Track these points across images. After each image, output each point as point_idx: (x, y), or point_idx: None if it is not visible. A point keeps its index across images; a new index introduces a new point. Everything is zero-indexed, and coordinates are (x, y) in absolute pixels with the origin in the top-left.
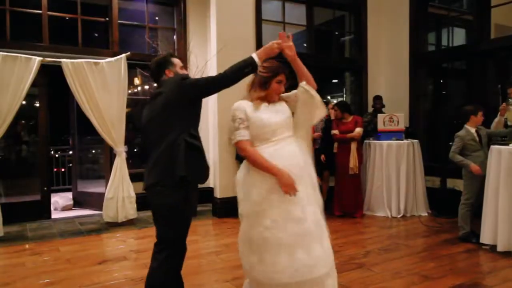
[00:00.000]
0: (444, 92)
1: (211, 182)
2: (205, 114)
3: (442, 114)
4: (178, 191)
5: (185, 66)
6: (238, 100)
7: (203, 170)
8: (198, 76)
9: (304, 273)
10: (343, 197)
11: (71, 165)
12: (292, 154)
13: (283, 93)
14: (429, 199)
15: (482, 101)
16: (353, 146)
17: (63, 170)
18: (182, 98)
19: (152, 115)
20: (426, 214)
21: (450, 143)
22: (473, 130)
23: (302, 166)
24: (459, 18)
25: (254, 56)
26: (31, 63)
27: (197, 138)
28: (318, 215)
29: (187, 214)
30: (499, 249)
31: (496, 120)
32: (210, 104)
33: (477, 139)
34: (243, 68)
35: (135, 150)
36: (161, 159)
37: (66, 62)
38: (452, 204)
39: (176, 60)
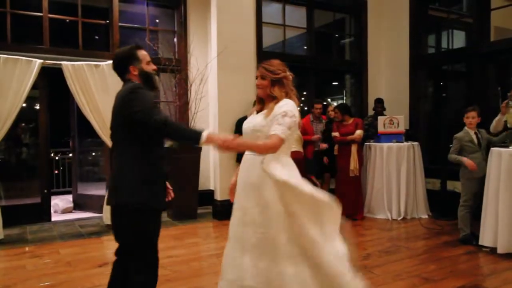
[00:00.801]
0: (444, 95)
1: (211, 184)
2: (206, 116)
3: (442, 117)
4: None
5: (185, 68)
6: (238, 103)
7: (152, 198)
8: (198, 79)
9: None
10: (343, 199)
11: (68, 167)
12: (245, 167)
13: (263, 88)
14: (430, 201)
15: (482, 104)
16: (354, 148)
17: (60, 170)
18: (125, 116)
19: (112, 118)
20: (427, 216)
21: (450, 145)
22: (472, 132)
23: (250, 182)
24: (459, 21)
25: (205, 135)
26: (31, 66)
27: (151, 158)
28: (248, 235)
29: (147, 233)
30: (499, 251)
31: (496, 118)
32: (211, 106)
33: (476, 141)
34: (187, 137)
35: None
36: (112, 174)
37: (67, 65)
38: (452, 206)
39: (142, 54)
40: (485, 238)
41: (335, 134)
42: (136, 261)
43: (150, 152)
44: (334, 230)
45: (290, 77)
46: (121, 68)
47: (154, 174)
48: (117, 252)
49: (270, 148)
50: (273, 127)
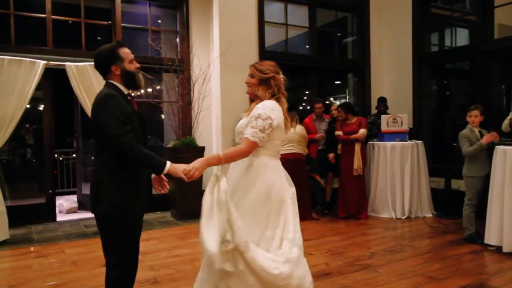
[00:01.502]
0: (447, 93)
1: None
2: (209, 117)
3: (446, 115)
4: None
5: (188, 68)
6: (241, 102)
7: (130, 205)
8: (200, 79)
9: None
10: (347, 198)
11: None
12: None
13: (251, 87)
14: (434, 200)
15: (486, 102)
16: (357, 147)
17: (64, 170)
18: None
19: (90, 123)
20: (431, 215)
21: (454, 144)
22: (476, 130)
23: (232, 179)
24: (462, 19)
25: (168, 166)
26: (35, 67)
27: (127, 168)
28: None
29: (132, 230)
30: (505, 250)
31: (509, 117)
32: (213, 107)
33: (479, 139)
34: (150, 163)
35: None
36: (91, 181)
37: (70, 66)
38: (456, 205)
39: (124, 52)
40: (491, 237)
41: (339, 133)
42: (112, 257)
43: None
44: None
45: (281, 79)
46: (103, 68)
47: (131, 178)
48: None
49: (237, 156)
50: (246, 129)
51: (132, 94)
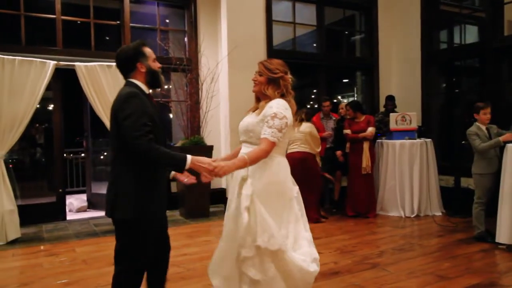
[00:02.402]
0: (457, 91)
1: (223, 182)
2: (217, 116)
3: (455, 113)
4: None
5: (196, 67)
6: (249, 101)
7: (144, 211)
8: (209, 78)
9: None
10: (356, 197)
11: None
12: None
13: (258, 85)
14: (443, 198)
15: (496, 99)
16: (366, 145)
17: (74, 170)
18: (117, 124)
19: (110, 121)
20: (440, 214)
21: (463, 142)
22: (483, 127)
23: (240, 175)
24: (471, 15)
25: (188, 161)
26: (46, 67)
27: (145, 165)
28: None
29: (139, 240)
30: None
31: None
32: (221, 106)
33: (488, 137)
34: (170, 161)
35: None
36: (108, 185)
37: (80, 66)
38: (466, 203)
39: (148, 51)
40: (501, 235)
41: (347, 131)
42: (122, 270)
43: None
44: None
45: (289, 79)
46: (127, 66)
47: (148, 183)
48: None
49: (260, 156)
50: (263, 129)
51: None
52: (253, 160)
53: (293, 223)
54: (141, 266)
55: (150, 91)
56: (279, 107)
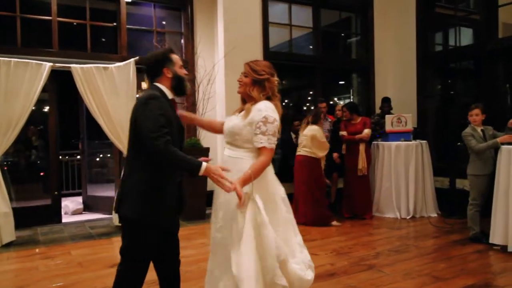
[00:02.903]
0: (452, 92)
1: None
2: (213, 116)
3: (450, 114)
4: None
5: (193, 69)
6: None
7: (163, 213)
8: (205, 79)
9: None
10: (352, 198)
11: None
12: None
13: (243, 86)
14: (438, 199)
15: (491, 101)
16: (362, 147)
17: (69, 172)
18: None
19: (130, 123)
20: (436, 215)
21: (459, 143)
22: (478, 129)
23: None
24: (466, 18)
25: (203, 168)
26: (41, 69)
27: (159, 168)
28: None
29: (145, 240)
30: (510, 249)
31: None
32: (218, 108)
33: (483, 138)
34: (185, 165)
35: None
36: (124, 183)
37: (76, 67)
38: (461, 205)
39: (176, 58)
40: (496, 236)
41: (343, 133)
42: (125, 265)
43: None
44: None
45: (275, 82)
46: (154, 70)
47: (157, 186)
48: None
49: (265, 166)
50: (257, 137)
51: (137, 95)
52: (257, 173)
53: (281, 226)
54: (142, 267)
55: (172, 96)
56: (268, 110)
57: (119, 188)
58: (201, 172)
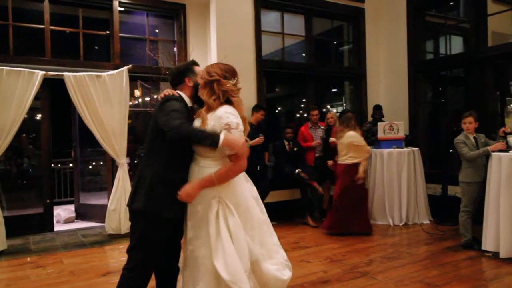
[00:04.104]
0: (443, 100)
1: None
2: None
3: (442, 122)
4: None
5: None
6: (245, 105)
7: (167, 206)
8: None
9: None
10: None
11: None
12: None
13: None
14: (431, 206)
15: (481, 108)
16: None
17: (61, 180)
18: (157, 121)
19: (149, 125)
20: (428, 222)
21: (451, 150)
22: (470, 136)
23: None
24: (456, 26)
25: (222, 136)
26: (34, 77)
27: (175, 168)
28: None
29: (156, 233)
30: (501, 255)
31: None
32: None
33: (475, 145)
34: (203, 135)
35: (136, 162)
36: (134, 181)
37: (69, 76)
38: (453, 211)
39: (198, 69)
40: (487, 243)
41: (332, 139)
42: (129, 263)
43: (174, 160)
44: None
45: (227, 84)
46: (177, 79)
47: (168, 183)
48: None
49: (233, 174)
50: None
51: (130, 103)
52: (222, 179)
53: (256, 229)
54: (147, 268)
55: (191, 104)
56: (229, 116)
57: (132, 188)
58: (221, 140)
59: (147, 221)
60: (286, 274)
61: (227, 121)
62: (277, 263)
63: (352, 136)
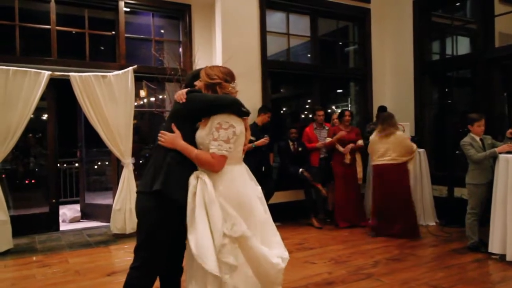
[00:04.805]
0: (449, 101)
1: None
2: None
3: (448, 123)
4: (152, 198)
5: None
6: (250, 106)
7: (182, 188)
8: None
9: None
10: (344, 207)
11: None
12: None
13: None
14: (437, 208)
15: (488, 109)
16: (358, 156)
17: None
18: (179, 110)
19: (165, 122)
20: (434, 224)
21: (457, 152)
22: (477, 138)
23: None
24: (463, 27)
25: (232, 98)
26: (40, 77)
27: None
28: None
29: (161, 232)
30: (508, 258)
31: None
32: None
33: (482, 147)
34: (216, 98)
35: (140, 161)
36: (149, 170)
37: (75, 76)
38: (459, 213)
39: None
40: (494, 246)
41: (329, 139)
42: (136, 261)
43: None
44: None
45: (229, 87)
46: (191, 82)
47: (183, 169)
48: None
49: (205, 166)
50: (210, 143)
51: (135, 104)
52: (199, 162)
53: (259, 229)
54: (153, 267)
55: None
56: (223, 117)
57: (144, 176)
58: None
59: (158, 210)
60: (276, 260)
61: (219, 120)
62: (273, 254)
63: (404, 135)
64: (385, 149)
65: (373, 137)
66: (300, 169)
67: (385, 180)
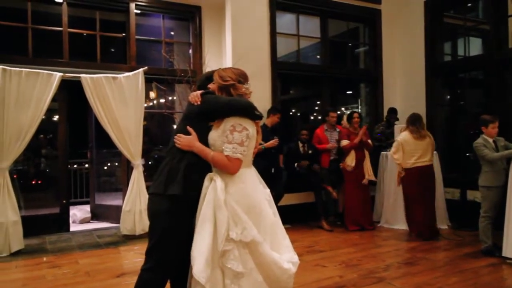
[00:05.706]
0: (462, 103)
1: None
2: None
3: (460, 125)
4: (166, 199)
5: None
6: (259, 107)
7: (197, 190)
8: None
9: None
10: (353, 209)
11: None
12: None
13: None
14: (449, 211)
15: (501, 111)
16: (367, 156)
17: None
18: (193, 111)
19: (178, 123)
20: (446, 227)
21: (468, 154)
22: (490, 140)
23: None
24: (475, 28)
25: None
26: (52, 79)
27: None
28: None
29: (175, 234)
30: None
31: None
32: None
33: (495, 149)
34: (232, 100)
35: (150, 163)
36: (163, 171)
37: (86, 77)
38: (472, 216)
39: None
40: (509, 250)
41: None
42: (148, 263)
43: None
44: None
45: (242, 88)
46: (204, 84)
47: (197, 170)
48: None
49: (221, 168)
50: (224, 145)
51: (145, 105)
52: (215, 164)
53: (269, 233)
54: (165, 268)
55: None
56: (236, 119)
57: (156, 176)
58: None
59: (171, 212)
60: (287, 265)
61: (233, 122)
62: (282, 259)
63: (427, 137)
64: (423, 150)
65: (407, 138)
66: (302, 162)
67: (427, 181)
